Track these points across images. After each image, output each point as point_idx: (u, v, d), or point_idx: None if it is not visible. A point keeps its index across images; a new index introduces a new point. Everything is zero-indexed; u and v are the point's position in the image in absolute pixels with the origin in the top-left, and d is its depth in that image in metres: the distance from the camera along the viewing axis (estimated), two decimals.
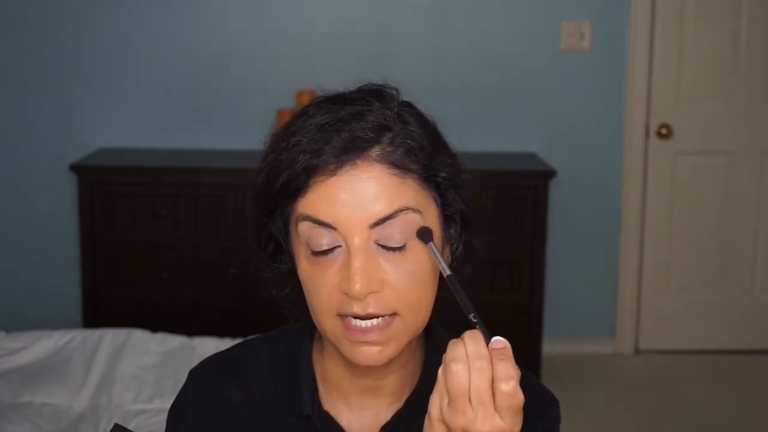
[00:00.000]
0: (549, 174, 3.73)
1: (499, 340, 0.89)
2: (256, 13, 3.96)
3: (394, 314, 0.97)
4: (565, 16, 3.99)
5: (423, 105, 1.06)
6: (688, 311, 4.26)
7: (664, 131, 4.09)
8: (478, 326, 0.91)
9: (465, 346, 0.89)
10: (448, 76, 3.99)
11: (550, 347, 4.09)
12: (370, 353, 0.98)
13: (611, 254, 4.19)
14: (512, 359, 0.89)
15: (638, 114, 4.08)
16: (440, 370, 0.90)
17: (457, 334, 1.14)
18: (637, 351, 4.25)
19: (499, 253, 3.55)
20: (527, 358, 3.69)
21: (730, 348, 4.24)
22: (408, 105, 1.03)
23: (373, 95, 1.02)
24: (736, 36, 4.05)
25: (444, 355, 0.90)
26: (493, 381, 0.87)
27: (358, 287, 0.94)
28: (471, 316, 0.91)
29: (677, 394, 3.82)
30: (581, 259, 4.17)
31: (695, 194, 4.16)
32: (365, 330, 0.97)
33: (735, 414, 3.66)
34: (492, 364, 0.88)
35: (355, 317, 0.97)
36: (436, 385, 0.90)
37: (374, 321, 0.97)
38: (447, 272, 0.95)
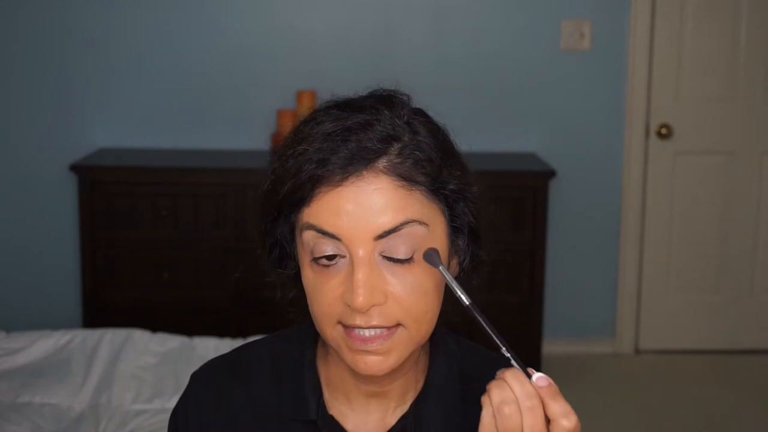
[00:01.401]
0: (549, 174, 3.73)
1: (542, 378, 0.88)
2: (255, 13, 3.96)
3: (398, 325, 0.96)
4: (565, 16, 3.99)
5: (423, 105, 1.04)
6: (688, 311, 4.25)
7: (664, 131, 4.09)
8: (512, 361, 0.89)
9: (511, 387, 0.87)
10: (447, 75, 3.99)
11: (550, 347, 4.09)
12: (372, 363, 0.96)
13: (611, 254, 4.19)
14: (560, 394, 0.87)
15: (638, 114, 4.07)
16: (484, 413, 0.88)
17: (460, 335, 1.14)
18: (637, 351, 4.25)
19: (499, 253, 3.55)
20: (527, 358, 3.69)
21: (730, 348, 4.24)
22: (419, 113, 1.01)
23: (384, 102, 0.99)
24: (736, 36, 4.05)
25: (485, 397, 0.88)
26: (549, 420, 0.86)
27: (361, 300, 0.93)
28: (503, 350, 0.90)
29: (677, 394, 3.82)
30: (581, 259, 4.17)
31: (695, 194, 4.16)
32: (367, 339, 0.95)
33: (735, 414, 3.66)
34: (544, 403, 0.87)
35: (358, 329, 0.95)
36: (480, 427, 0.88)
37: (377, 330, 0.95)
38: (467, 301, 0.92)
